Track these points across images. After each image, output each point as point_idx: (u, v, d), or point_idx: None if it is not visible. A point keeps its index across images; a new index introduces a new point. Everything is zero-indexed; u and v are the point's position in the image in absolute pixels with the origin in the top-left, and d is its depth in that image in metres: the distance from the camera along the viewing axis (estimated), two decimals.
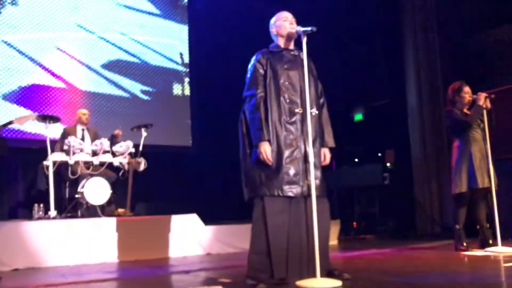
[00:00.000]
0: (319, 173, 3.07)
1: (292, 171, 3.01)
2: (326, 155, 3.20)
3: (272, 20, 3.32)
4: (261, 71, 3.14)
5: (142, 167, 6.01)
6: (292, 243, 2.97)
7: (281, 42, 3.26)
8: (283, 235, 2.97)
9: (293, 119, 3.07)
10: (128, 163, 5.97)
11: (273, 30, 3.30)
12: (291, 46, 3.26)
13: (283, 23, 3.24)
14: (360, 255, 5.04)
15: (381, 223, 7.74)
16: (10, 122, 4.62)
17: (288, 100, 3.08)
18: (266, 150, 2.98)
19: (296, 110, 3.08)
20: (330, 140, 3.24)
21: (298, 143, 3.05)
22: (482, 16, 7.31)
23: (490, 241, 4.77)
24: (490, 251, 4.63)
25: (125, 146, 5.96)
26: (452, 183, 4.87)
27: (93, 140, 6.00)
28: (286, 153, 3.02)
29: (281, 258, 2.96)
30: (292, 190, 2.99)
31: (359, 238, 7.34)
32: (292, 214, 3.01)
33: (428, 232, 7.10)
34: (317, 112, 3.16)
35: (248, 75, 3.19)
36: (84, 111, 6.35)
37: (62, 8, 7.50)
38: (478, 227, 4.90)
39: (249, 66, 3.21)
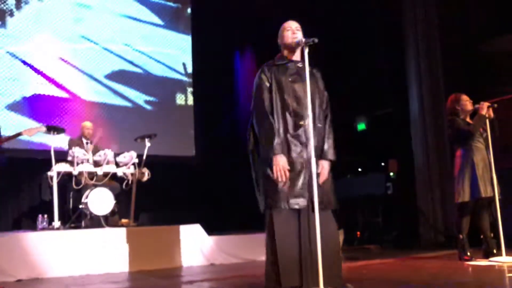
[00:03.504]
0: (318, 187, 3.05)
1: (298, 184, 3.02)
2: (324, 167, 3.15)
3: (280, 30, 3.32)
4: (267, 83, 3.15)
5: (145, 177, 6.02)
6: (303, 253, 2.99)
7: (285, 53, 3.26)
8: (291, 245, 2.99)
9: (298, 132, 3.08)
10: (132, 174, 5.98)
11: (279, 41, 3.32)
12: (296, 57, 3.24)
13: (286, 33, 3.24)
14: (364, 265, 5.02)
15: (385, 232, 7.71)
16: (20, 134, 4.65)
17: (292, 113, 3.10)
18: (280, 163, 2.99)
19: (301, 123, 3.09)
20: (330, 152, 3.19)
21: (302, 156, 3.06)
22: (485, 25, 7.34)
23: (494, 251, 4.75)
24: (494, 261, 4.61)
25: (129, 156, 5.98)
26: (455, 192, 4.87)
27: (95, 153, 6.01)
28: (292, 166, 3.03)
29: (289, 267, 2.97)
30: (298, 203, 3.01)
31: (362, 248, 7.31)
32: (302, 225, 3.02)
33: (431, 241, 7.07)
34: (320, 125, 3.17)
35: (254, 89, 3.20)
36: (88, 125, 6.32)
37: (66, 19, 7.56)
38: (482, 236, 4.88)
39: (255, 79, 3.22)
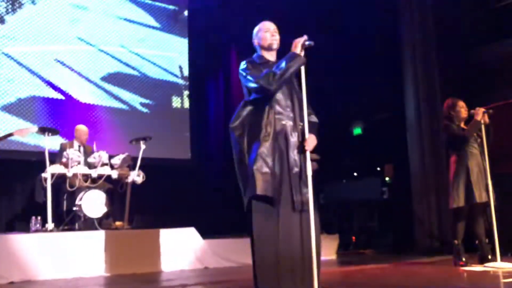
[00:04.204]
0: (304, 188, 3.01)
1: (284, 179, 2.97)
2: (310, 137, 3.07)
3: (255, 31, 3.29)
4: (255, 69, 3.10)
5: (140, 180, 5.99)
6: (282, 257, 2.94)
7: (265, 54, 3.23)
8: (270, 246, 2.93)
9: (279, 130, 3.03)
10: (126, 176, 5.95)
11: (255, 41, 3.27)
12: (273, 58, 3.23)
13: (264, 34, 3.21)
14: (358, 270, 5.01)
15: (380, 237, 7.71)
16: (11, 134, 4.62)
17: (276, 112, 3.07)
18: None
19: (283, 122, 3.06)
20: (313, 118, 3.20)
21: (284, 156, 3.01)
22: (481, 31, 7.37)
23: (489, 257, 4.75)
24: (489, 267, 4.61)
25: (124, 158, 5.95)
26: (450, 198, 4.87)
27: (88, 156, 5.97)
28: (276, 164, 2.97)
29: (267, 270, 2.92)
30: (279, 195, 2.94)
31: (358, 252, 7.31)
32: (284, 225, 2.96)
33: (427, 246, 7.07)
34: (301, 124, 3.13)
35: (244, 73, 3.12)
36: (84, 129, 6.26)
37: (63, 21, 7.53)
38: (477, 242, 4.88)
39: (242, 68, 3.15)
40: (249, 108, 3.11)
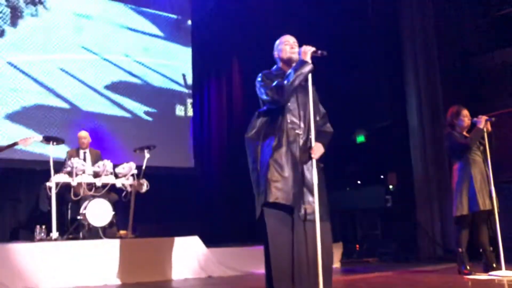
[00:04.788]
0: (313, 197, 3.03)
1: (293, 186, 3.00)
2: (317, 145, 3.10)
3: (276, 43, 3.36)
4: (268, 80, 3.15)
5: (144, 188, 6.00)
6: (297, 263, 2.98)
7: (282, 66, 3.29)
8: (284, 254, 2.97)
9: (292, 139, 3.07)
10: (131, 185, 5.97)
11: (275, 53, 3.34)
12: None
13: (284, 47, 3.27)
14: (362, 278, 5.00)
15: (384, 245, 7.69)
16: (15, 143, 4.65)
17: (289, 122, 3.10)
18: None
19: (296, 132, 3.10)
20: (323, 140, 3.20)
21: (297, 165, 3.05)
22: (483, 39, 7.39)
23: (494, 265, 4.73)
24: (493, 275, 4.59)
25: (128, 167, 5.97)
26: (453, 206, 4.86)
27: (94, 162, 6.00)
28: (289, 172, 3.01)
29: (282, 278, 2.96)
30: (290, 201, 2.97)
31: (361, 261, 7.29)
32: (296, 234, 3.00)
33: (430, 255, 7.05)
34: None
35: (260, 84, 3.15)
36: (83, 134, 6.31)
37: (66, 30, 7.60)
38: (481, 250, 4.87)
39: (258, 80, 3.19)
40: (263, 118, 3.17)
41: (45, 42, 7.37)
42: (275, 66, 3.34)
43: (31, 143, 5.04)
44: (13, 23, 7.17)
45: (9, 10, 7.16)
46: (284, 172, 2.99)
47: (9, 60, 7.05)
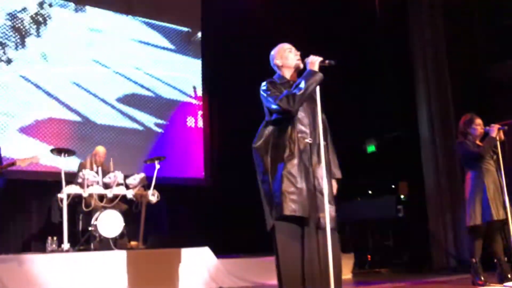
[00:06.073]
0: (329, 206, 3.02)
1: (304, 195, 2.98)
2: (334, 187, 3.19)
3: (274, 52, 3.30)
4: (276, 92, 3.10)
5: (155, 199, 6.02)
6: (308, 275, 2.95)
7: (287, 74, 3.25)
8: (295, 265, 2.96)
9: (303, 149, 3.07)
10: (141, 196, 5.99)
11: (277, 62, 3.27)
12: (294, 77, 3.24)
13: (289, 54, 3.24)
14: None
15: (396, 256, 7.62)
16: (13, 163, 4.71)
17: (298, 130, 3.09)
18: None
19: (306, 140, 3.09)
20: (337, 171, 3.23)
21: (309, 174, 3.04)
22: (494, 48, 7.35)
23: (509, 275, 4.66)
24: (508, 286, 4.52)
25: (139, 178, 6.00)
26: (466, 216, 4.81)
27: (104, 176, 6.02)
28: (302, 183, 3.00)
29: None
30: (301, 211, 2.95)
31: (373, 271, 7.22)
32: (307, 244, 2.99)
33: (444, 265, 6.96)
34: (325, 143, 3.15)
35: (265, 93, 3.12)
36: (101, 150, 6.26)
37: (78, 44, 7.68)
38: (495, 260, 4.80)
39: (262, 89, 3.16)
40: (271, 127, 3.12)
41: (57, 56, 7.46)
42: (276, 74, 3.30)
43: (28, 163, 5.10)
44: (25, 37, 7.28)
45: (22, 24, 7.27)
46: (298, 183, 2.96)
47: (22, 74, 7.15)
